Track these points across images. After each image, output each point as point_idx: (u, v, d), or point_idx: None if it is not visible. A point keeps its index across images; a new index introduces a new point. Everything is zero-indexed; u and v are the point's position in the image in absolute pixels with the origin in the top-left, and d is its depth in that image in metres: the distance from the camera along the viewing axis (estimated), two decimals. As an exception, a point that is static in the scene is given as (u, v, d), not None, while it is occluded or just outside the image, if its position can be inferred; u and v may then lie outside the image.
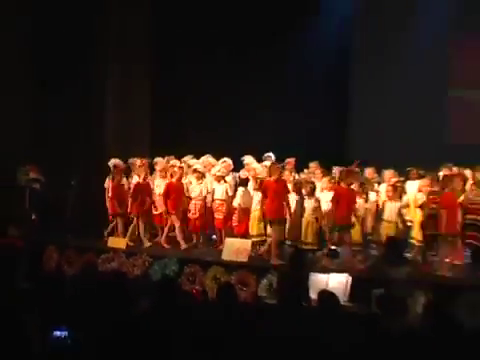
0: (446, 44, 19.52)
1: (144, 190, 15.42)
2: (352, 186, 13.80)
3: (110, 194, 15.79)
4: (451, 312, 8.68)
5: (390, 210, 13.97)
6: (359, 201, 14.17)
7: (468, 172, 14.36)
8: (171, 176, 15.34)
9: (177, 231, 15.16)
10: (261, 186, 14.11)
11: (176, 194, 15.13)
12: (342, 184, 13.84)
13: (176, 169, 15.36)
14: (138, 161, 15.89)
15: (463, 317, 10.19)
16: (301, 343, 6.45)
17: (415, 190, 14.11)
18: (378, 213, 14.32)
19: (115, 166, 15.92)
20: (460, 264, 13.50)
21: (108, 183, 15.92)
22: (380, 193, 14.59)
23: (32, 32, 17.84)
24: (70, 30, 17.64)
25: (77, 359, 6.21)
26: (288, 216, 13.94)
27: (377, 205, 14.49)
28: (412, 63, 19.31)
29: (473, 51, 19.52)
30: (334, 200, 13.65)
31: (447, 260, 13.38)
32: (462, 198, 13.33)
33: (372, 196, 14.53)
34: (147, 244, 15.31)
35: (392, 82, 19.59)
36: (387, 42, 19.61)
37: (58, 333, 6.52)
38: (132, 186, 15.61)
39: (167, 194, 15.14)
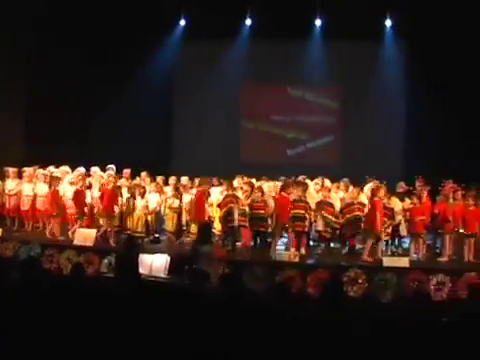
0: (239, 87, 20.15)
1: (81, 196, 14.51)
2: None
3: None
4: (239, 280, 9.09)
5: (199, 208, 14.26)
6: (176, 201, 14.45)
7: (254, 181, 14.85)
8: (105, 184, 14.34)
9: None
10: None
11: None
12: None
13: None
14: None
15: (248, 284, 10.68)
16: (127, 300, 6.63)
17: (218, 194, 14.51)
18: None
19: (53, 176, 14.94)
20: (248, 247, 13.95)
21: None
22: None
23: None
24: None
25: None
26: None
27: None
28: (217, 100, 19.77)
29: (258, 93, 20.24)
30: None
31: (239, 243, 13.91)
32: (250, 199, 13.79)
33: (186, 198, 14.73)
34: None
35: (203, 113, 19.96)
36: (199, 83, 19.92)
37: None
38: (73, 193, 14.38)
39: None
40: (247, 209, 13.66)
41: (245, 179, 14.85)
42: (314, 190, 14.44)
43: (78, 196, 14.28)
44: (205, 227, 13.64)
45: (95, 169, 15.30)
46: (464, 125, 17.28)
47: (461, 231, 13.33)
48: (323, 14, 18.83)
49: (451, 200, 13.50)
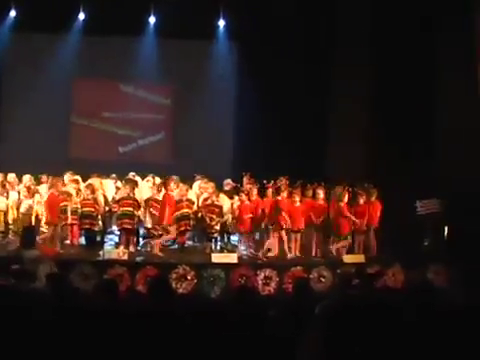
0: (70, 83, 19.61)
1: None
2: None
3: None
4: (67, 279, 8.85)
5: (26, 206, 13.78)
6: (2, 198, 13.84)
7: (79, 178, 14.63)
8: None
9: None
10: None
11: None
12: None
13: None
14: None
15: (76, 283, 10.45)
16: None
17: (45, 191, 14.05)
18: (19, 208, 13.99)
19: None
20: (77, 244, 13.72)
21: None
22: (22, 192, 14.21)
23: None
24: None
25: None
26: None
27: (20, 201, 14.10)
28: (47, 95, 19.05)
29: (89, 90, 19.82)
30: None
31: (68, 242, 13.56)
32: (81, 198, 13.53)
33: (14, 195, 14.13)
34: None
35: (33, 109, 19.12)
36: (29, 78, 19.12)
37: None
38: None
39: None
40: (79, 207, 13.45)
41: (73, 177, 14.54)
42: (145, 187, 14.37)
43: None
44: (28, 229, 13.20)
45: None
46: (292, 124, 17.77)
47: (288, 227, 13.71)
48: (157, 12, 18.71)
49: (279, 197, 13.86)
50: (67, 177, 14.45)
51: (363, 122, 16.96)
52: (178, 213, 13.35)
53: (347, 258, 13.22)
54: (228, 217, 13.87)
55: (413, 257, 13.73)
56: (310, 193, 14.00)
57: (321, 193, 13.80)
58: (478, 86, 15.11)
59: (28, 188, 13.90)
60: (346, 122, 17.30)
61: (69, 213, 13.40)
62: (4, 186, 14.17)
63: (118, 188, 14.73)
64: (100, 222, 13.77)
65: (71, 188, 13.91)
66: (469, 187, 14.51)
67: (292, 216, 13.61)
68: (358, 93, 17.12)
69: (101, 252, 12.67)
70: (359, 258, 13.28)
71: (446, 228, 14.95)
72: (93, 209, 13.24)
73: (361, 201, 13.89)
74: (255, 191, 13.88)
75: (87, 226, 13.38)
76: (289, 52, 17.85)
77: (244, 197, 13.72)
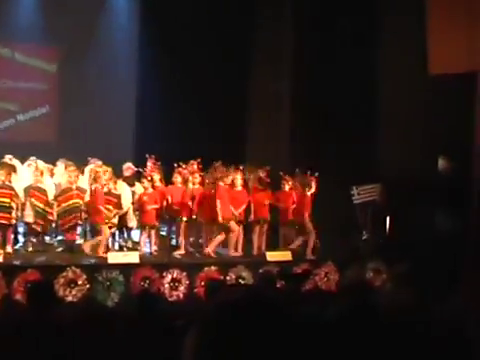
0: None
1: None
2: None
3: None
4: None
5: None
6: None
7: None
8: None
9: None
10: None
11: None
12: None
13: None
14: None
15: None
16: None
17: None
18: None
19: None
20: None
21: None
22: None
23: None
24: None
25: None
26: None
27: None
28: None
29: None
30: None
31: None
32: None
33: None
34: None
35: None
36: None
37: None
38: None
39: None
40: None
41: None
42: (25, 173, 14.13)
43: None
44: None
45: None
46: (207, 95, 17.71)
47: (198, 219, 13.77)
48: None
49: (190, 184, 13.85)
50: None
51: (289, 95, 17.08)
52: (66, 204, 13.27)
53: (271, 255, 13.34)
54: (128, 208, 13.80)
55: (349, 254, 14.04)
56: (228, 180, 14.04)
57: (239, 179, 13.86)
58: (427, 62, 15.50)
59: None
60: (270, 94, 17.39)
61: None
62: None
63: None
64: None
65: None
66: (414, 170, 14.84)
67: (204, 206, 13.70)
68: (284, 60, 17.23)
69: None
70: (285, 256, 13.43)
71: (388, 219, 15.27)
72: None
73: (286, 187, 14.10)
74: (158, 177, 13.83)
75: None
76: (204, 6, 17.74)
77: (147, 184, 13.69)
